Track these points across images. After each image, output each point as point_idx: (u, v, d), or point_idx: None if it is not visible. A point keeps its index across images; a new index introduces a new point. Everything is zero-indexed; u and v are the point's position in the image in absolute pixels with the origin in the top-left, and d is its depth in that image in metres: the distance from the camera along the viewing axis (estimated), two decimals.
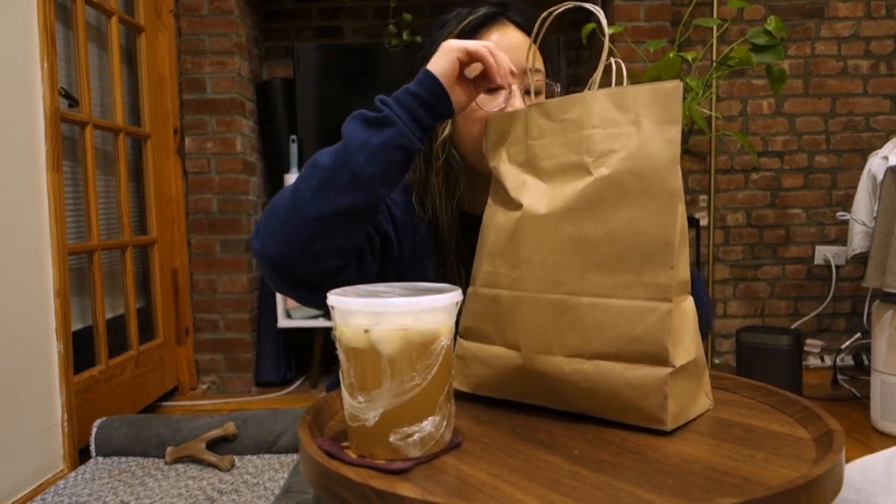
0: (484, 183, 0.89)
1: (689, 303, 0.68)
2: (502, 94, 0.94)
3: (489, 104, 0.94)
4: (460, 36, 0.97)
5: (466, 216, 1.01)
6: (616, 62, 0.73)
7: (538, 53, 0.97)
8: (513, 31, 0.98)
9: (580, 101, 0.67)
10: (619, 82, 0.70)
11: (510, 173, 0.74)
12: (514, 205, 0.71)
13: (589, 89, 0.68)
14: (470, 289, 0.79)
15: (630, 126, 0.63)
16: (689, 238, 0.74)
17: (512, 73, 0.85)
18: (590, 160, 0.65)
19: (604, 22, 0.74)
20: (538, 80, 0.96)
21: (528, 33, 0.98)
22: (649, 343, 0.64)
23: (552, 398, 0.72)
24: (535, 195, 0.69)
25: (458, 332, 0.78)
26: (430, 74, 0.83)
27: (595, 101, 0.65)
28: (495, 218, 0.75)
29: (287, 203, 0.80)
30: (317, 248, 0.80)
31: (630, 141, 0.63)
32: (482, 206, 0.83)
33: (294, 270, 0.81)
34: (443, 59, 0.83)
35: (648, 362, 0.65)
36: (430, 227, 1.00)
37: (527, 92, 0.93)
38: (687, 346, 0.67)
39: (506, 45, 0.95)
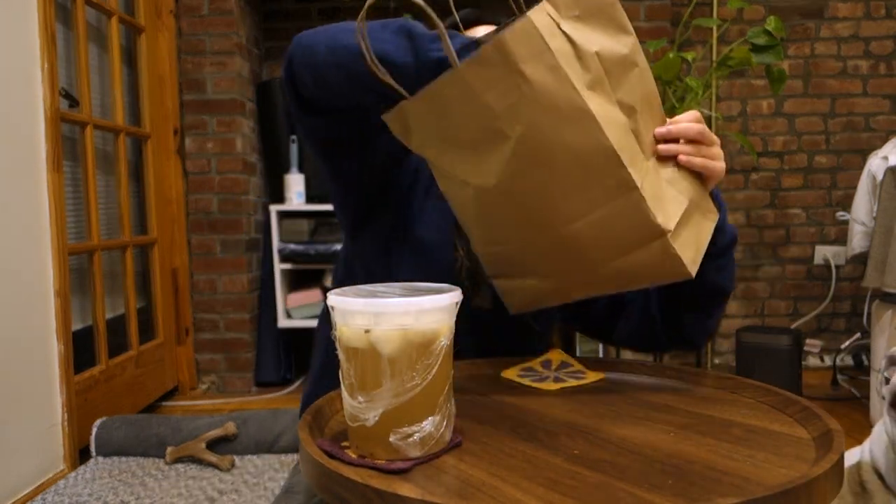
0: None
1: (654, 163, 0.74)
2: None
3: None
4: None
5: None
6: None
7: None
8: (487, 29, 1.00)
9: (452, 79, 0.67)
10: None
11: (435, 157, 0.76)
12: (463, 183, 0.75)
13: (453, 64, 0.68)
14: (476, 248, 0.83)
15: (519, 76, 0.63)
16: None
17: None
18: (500, 124, 0.67)
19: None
20: None
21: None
22: (640, 227, 0.69)
23: (590, 292, 0.81)
24: (471, 171, 0.73)
25: (490, 274, 0.85)
26: None
27: (467, 75, 0.66)
28: (453, 192, 0.79)
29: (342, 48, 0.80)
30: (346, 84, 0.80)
31: (526, 89, 0.64)
32: None
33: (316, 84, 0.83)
34: None
35: (650, 240, 0.70)
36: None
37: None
38: (672, 198, 0.73)
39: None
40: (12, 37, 1.81)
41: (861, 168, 2.51)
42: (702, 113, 2.39)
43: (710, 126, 2.71)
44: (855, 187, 2.48)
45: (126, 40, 2.57)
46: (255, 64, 2.95)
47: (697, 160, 0.76)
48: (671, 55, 2.13)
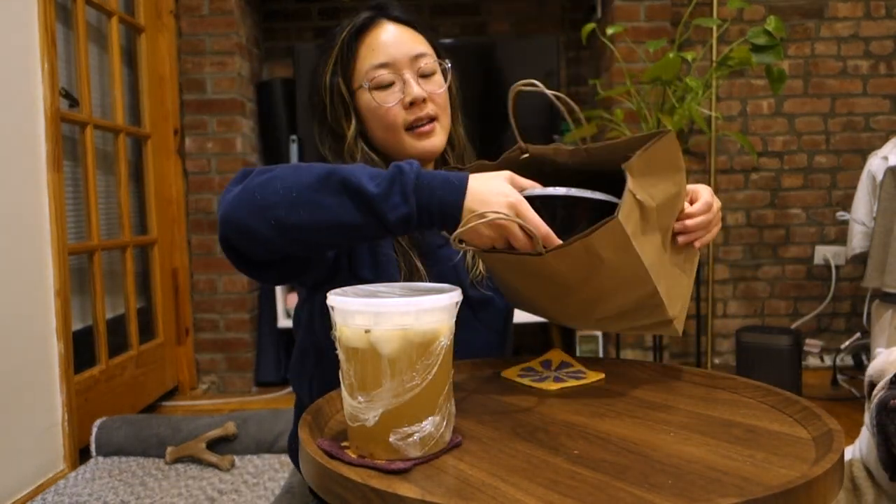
0: None
1: (669, 250, 0.83)
2: (398, 87, 1.01)
3: (389, 99, 1.01)
4: (342, 48, 1.03)
5: None
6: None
7: (418, 37, 1.04)
8: (389, 25, 1.03)
9: (535, 262, 0.77)
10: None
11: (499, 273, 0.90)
12: (517, 290, 0.90)
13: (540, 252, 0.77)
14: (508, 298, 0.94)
15: (591, 259, 0.74)
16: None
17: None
18: (571, 286, 0.79)
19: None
20: (427, 62, 1.03)
21: (407, 21, 1.04)
22: (657, 317, 0.82)
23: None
24: (536, 295, 0.87)
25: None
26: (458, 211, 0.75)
27: (551, 259, 0.76)
28: (503, 283, 0.92)
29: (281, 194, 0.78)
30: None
31: (596, 267, 0.75)
32: None
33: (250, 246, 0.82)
34: (483, 230, 0.76)
35: (661, 324, 0.83)
36: None
37: (422, 75, 1.02)
38: (677, 283, 0.83)
39: (389, 41, 1.02)
40: (12, 37, 1.81)
41: (861, 168, 2.51)
42: (701, 113, 2.40)
43: (710, 126, 2.71)
44: (855, 187, 2.48)
45: (126, 40, 2.57)
46: (255, 64, 2.95)
47: (706, 238, 0.87)
48: (671, 55, 2.13)
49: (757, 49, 2.13)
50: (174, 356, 2.72)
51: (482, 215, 0.73)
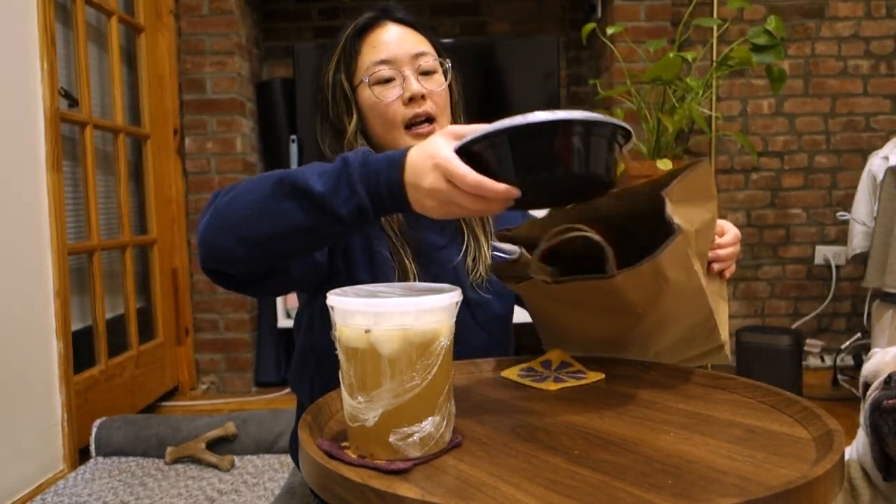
0: None
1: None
2: (398, 83, 1.02)
3: (388, 94, 1.02)
4: (345, 46, 1.05)
5: None
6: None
7: (420, 37, 1.05)
8: (392, 25, 1.05)
9: (606, 289, 0.78)
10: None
11: (560, 311, 0.91)
12: (587, 323, 0.91)
13: (610, 276, 0.78)
14: (547, 345, 0.97)
15: (654, 284, 0.77)
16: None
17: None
18: (637, 310, 0.81)
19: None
20: (429, 60, 1.04)
21: (409, 23, 1.06)
22: (710, 345, 0.88)
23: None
24: (595, 326, 0.89)
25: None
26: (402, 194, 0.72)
27: (622, 281, 0.77)
28: (551, 318, 0.95)
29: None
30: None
31: (661, 292, 0.79)
32: None
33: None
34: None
35: (713, 349, 0.88)
36: None
37: (423, 73, 1.03)
38: (720, 308, 0.88)
39: (391, 40, 1.03)
40: (12, 37, 1.81)
41: (861, 168, 2.51)
42: (702, 113, 2.39)
43: (710, 126, 2.71)
44: (855, 187, 2.47)
45: (126, 40, 2.57)
46: (255, 64, 2.95)
47: (732, 268, 0.95)
48: (671, 55, 2.13)
49: (757, 49, 2.13)
50: (174, 356, 2.72)
51: (416, 186, 0.69)
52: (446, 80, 1.07)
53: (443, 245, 1.07)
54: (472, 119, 1.14)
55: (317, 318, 1.02)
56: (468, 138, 0.68)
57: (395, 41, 1.03)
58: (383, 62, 1.02)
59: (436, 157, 0.68)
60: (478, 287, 1.06)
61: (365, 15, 1.06)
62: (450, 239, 1.09)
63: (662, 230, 0.74)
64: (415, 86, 1.01)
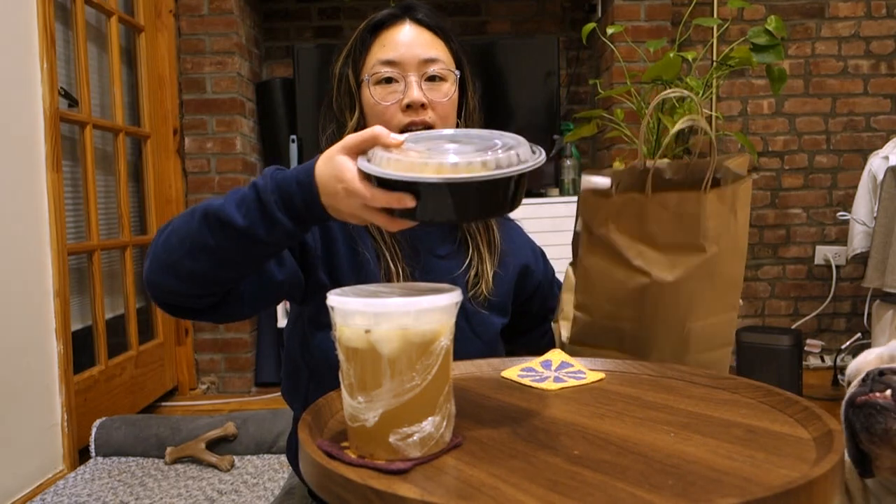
0: None
1: None
2: (400, 87, 0.99)
3: (388, 97, 0.99)
4: (357, 40, 1.02)
5: None
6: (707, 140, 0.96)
7: (437, 42, 1.01)
8: (409, 25, 1.01)
9: (696, 201, 0.89)
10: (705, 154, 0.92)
11: (623, 242, 0.93)
12: (639, 270, 0.92)
13: (704, 189, 0.89)
14: (582, 315, 0.96)
15: (729, 213, 0.89)
16: None
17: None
18: (705, 242, 0.89)
19: None
20: (438, 67, 1.00)
21: (429, 26, 1.02)
22: (725, 338, 0.93)
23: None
24: (657, 266, 0.91)
25: (567, 339, 0.97)
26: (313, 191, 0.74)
27: (708, 201, 0.89)
28: (611, 272, 0.94)
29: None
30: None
31: (730, 225, 0.89)
32: None
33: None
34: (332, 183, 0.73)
35: (723, 347, 0.94)
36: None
37: (430, 79, 1.00)
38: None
39: (402, 41, 1.00)
40: (12, 37, 1.81)
41: (862, 168, 2.51)
42: (702, 113, 2.39)
43: (710, 126, 2.70)
44: (855, 187, 2.47)
45: (125, 40, 2.57)
46: (255, 64, 2.95)
47: None
48: (671, 55, 2.12)
49: (757, 49, 2.12)
50: (174, 356, 2.72)
51: (333, 207, 0.72)
52: (465, 92, 1.04)
53: (444, 254, 1.05)
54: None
55: (308, 332, 1.00)
56: (372, 171, 0.68)
57: (406, 43, 0.99)
58: (389, 63, 0.99)
59: (343, 180, 0.70)
60: (476, 303, 1.04)
61: (385, 10, 1.02)
62: (453, 250, 1.06)
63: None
64: (415, 93, 0.97)
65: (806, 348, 2.87)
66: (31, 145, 1.87)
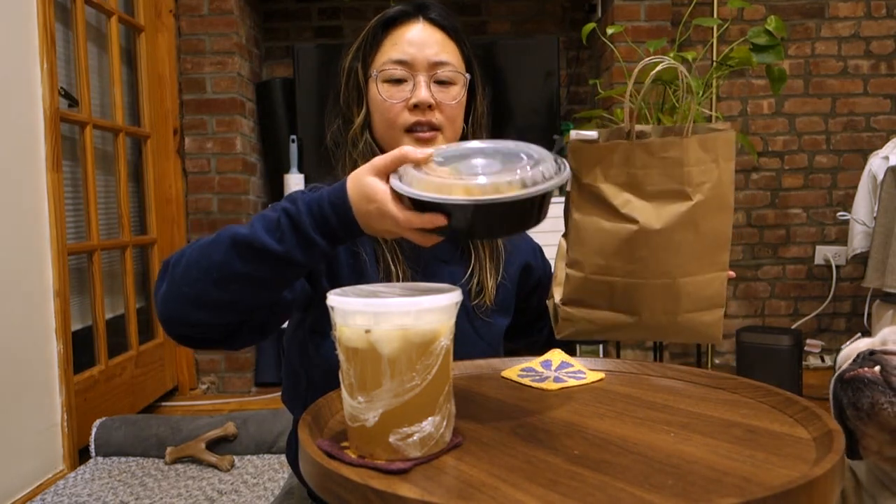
0: None
1: None
2: (409, 86, 0.99)
3: (395, 95, 0.98)
4: (368, 35, 1.01)
5: None
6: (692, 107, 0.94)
7: (449, 44, 1.01)
8: (422, 25, 1.01)
9: (678, 145, 0.92)
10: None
11: (611, 191, 0.95)
12: (627, 218, 0.94)
13: (686, 133, 0.92)
14: (574, 273, 0.96)
15: (712, 163, 0.91)
16: None
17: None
18: (689, 189, 0.91)
19: None
20: (448, 71, 1.00)
21: (442, 26, 1.01)
22: (717, 297, 0.93)
23: (645, 337, 0.98)
24: (644, 213, 0.93)
25: (560, 300, 0.95)
26: (348, 209, 0.76)
27: (690, 146, 0.91)
28: (600, 223, 0.96)
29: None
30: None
31: (712, 174, 0.91)
32: None
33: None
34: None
35: (715, 308, 0.93)
36: None
37: (438, 82, 0.99)
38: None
39: (414, 41, 0.99)
40: (12, 37, 1.81)
41: (862, 168, 2.51)
42: (702, 113, 2.40)
43: (688, 114, 2.70)
44: (855, 187, 2.47)
45: (126, 40, 2.57)
46: (255, 64, 2.95)
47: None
48: (671, 55, 2.13)
49: (757, 49, 2.13)
50: (174, 356, 2.72)
51: (368, 225, 0.75)
52: (475, 96, 1.04)
53: (447, 259, 1.05)
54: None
55: (309, 339, 1.00)
56: (405, 192, 0.70)
57: (417, 42, 0.99)
58: (399, 62, 0.98)
59: (374, 200, 0.73)
60: (479, 311, 1.04)
61: (398, 6, 1.02)
62: (457, 255, 1.07)
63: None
64: (423, 93, 0.97)
65: (806, 348, 2.87)
66: (31, 145, 1.87)
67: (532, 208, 0.72)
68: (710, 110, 2.69)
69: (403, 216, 0.71)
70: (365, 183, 0.74)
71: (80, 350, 2.04)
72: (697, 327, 0.94)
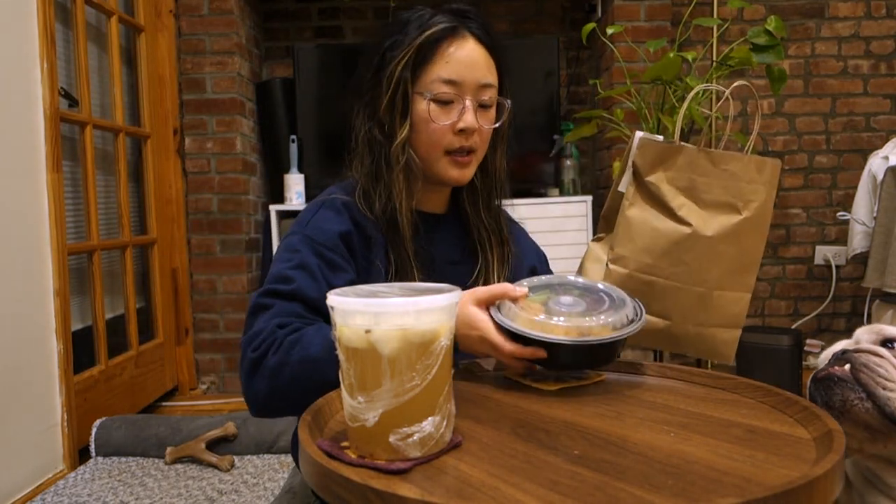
0: (430, 185, 1.05)
1: None
2: (456, 109, 1.00)
3: (442, 117, 1.00)
4: (420, 47, 1.00)
5: (418, 213, 1.05)
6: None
7: (492, 65, 1.03)
8: (471, 43, 1.02)
9: (739, 160, 0.98)
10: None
11: (670, 192, 1.00)
12: (682, 221, 0.99)
13: (747, 151, 1.00)
14: (617, 268, 1.00)
15: (761, 185, 0.98)
16: None
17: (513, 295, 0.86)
18: (741, 204, 0.98)
19: None
20: (490, 95, 1.02)
21: (486, 44, 1.03)
22: (739, 317, 1.03)
23: (666, 347, 1.07)
24: (698, 219, 0.98)
25: None
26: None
27: (749, 164, 0.98)
28: (654, 222, 1.01)
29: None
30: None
31: (761, 195, 0.98)
32: (432, 206, 1.08)
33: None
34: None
35: (734, 327, 1.03)
36: (378, 226, 1.02)
37: (481, 105, 1.02)
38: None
39: (464, 61, 1.00)
40: (12, 37, 1.81)
41: (862, 168, 2.51)
42: (701, 113, 2.40)
43: (710, 126, 2.71)
44: (855, 187, 2.47)
45: (126, 40, 2.57)
46: (255, 64, 2.95)
47: None
48: (671, 55, 2.13)
49: (757, 49, 2.13)
50: (174, 356, 2.72)
51: (469, 347, 0.85)
52: (499, 118, 1.05)
53: (457, 260, 1.07)
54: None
55: None
56: (514, 329, 0.80)
57: (467, 63, 1.00)
58: (450, 82, 0.99)
59: (477, 328, 0.83)
60: None
61: (444, 21, 1.01)
62: (465, 256, 1.08)
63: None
64: (470, 119, 0.99)
65: (806, 348, 2.87)
66: (31, 145, 1.87)
67: (617, 347, 0.83)
68: (710, 110, 2.69)
69: (508, 347, 0.81)
70: (468, 311, 0.83)
71: (80, 350, 2.04)
72: (717, 344, 0.98)
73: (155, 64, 2.64)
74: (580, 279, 0.90)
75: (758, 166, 0.98)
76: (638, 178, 0.98)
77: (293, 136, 2.79)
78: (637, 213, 0.99)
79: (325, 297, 0.90)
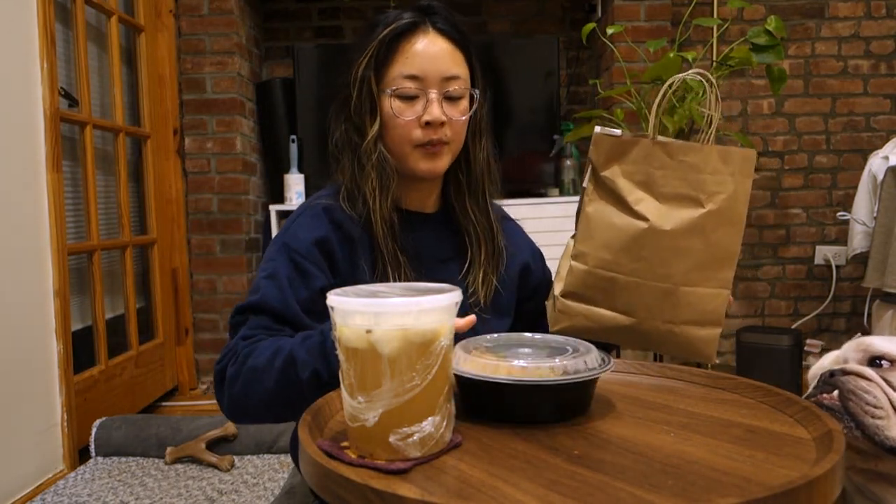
0: (409, 182, 1.04)
1: None
2: (421, 103, 0.99)
3: (408, 112, 0.99)
4: (381, 46, 1.00)
5: (398, 211, 1.04)
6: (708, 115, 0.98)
7: (458, 56, 1.01)
8: (435, 36, 1.01)
9: (699, 151, 0.94)
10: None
11: (626, 187, 0.96)
12: (638, 216, 0.95)
13: (700, 140, 0.96)
14: (578, 265, 0.97)
15: (728, 176, 0.94)
16: None
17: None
18: (703, 197, 0.94)
19: None
20: (457, 87, 1.01)
21: (451, 37, 1.01)
22: (715, 314, 0.95)
23: (639, 345, 1.00)
24: (656, 213, 0.95)
25: (560, 293, 0.97)
26: None
27: (710, 154, 0.94)
28: (612, 218, 0.98)
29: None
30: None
31: (728, 187, 0.94)
32: (418, 204, 1.07)
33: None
34: None
35: (712, 325, 0.95)
36: (361, 225, 1.02)
37: (449, 98, 1.01)
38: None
39: (426, 55, 0.99)
40: (12, 37, 1.81)
41: (862, 168, 2.51)
42: (701, 112, 2.40)
43: (710, 126, 2.71)
44: (855, 187, 2.47)
45: (126, 40, 2.57)
46: (255, 64, 2.95)
47: None
48: (671, 55, 2.13)
49: (757, 49, 2.13)
50: (174, 356, 2.72)
51: None
52: (471, 107, 1.05)
53: (446, 258, 1.06)
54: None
55: None
56: (460, 373, 0.72)
57: (429, 57, 0.99)
58: (412, 77, 0.99)
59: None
60: (474, 308, 1.04)
61: (406, 18, 1.01)
62: (455, 253, 1.08)
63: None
64: (435, 112, 0.99)
65: (806, 348, 2.87)
66: (31, 145, 1.87)
67: (576, 393, 0.73)
68: (710, 110, 2.69)
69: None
70: None
71: (80, 350, 2.04)
72: (693, 342, 0.95)
73: (155, 64, 2.64)
74: (550, 337, 0.85)
75: (722, 156, 0.94)
76: (595, 173, 0.96)
77: (293, 136, 2.79)
78: (595, 209, 0.97)
79: (288, 308, 0.94)
